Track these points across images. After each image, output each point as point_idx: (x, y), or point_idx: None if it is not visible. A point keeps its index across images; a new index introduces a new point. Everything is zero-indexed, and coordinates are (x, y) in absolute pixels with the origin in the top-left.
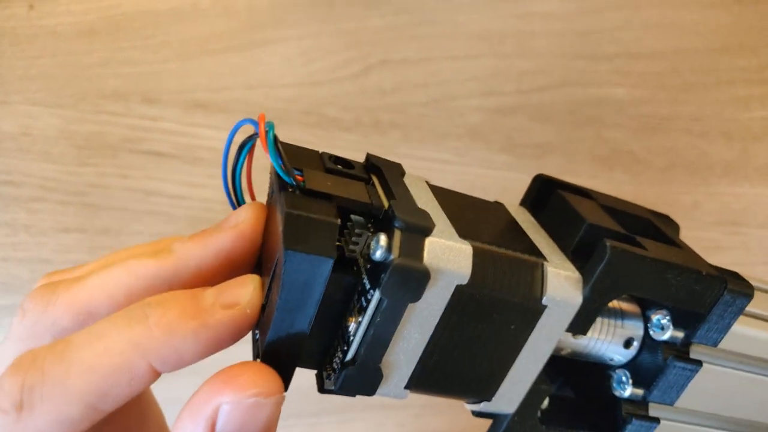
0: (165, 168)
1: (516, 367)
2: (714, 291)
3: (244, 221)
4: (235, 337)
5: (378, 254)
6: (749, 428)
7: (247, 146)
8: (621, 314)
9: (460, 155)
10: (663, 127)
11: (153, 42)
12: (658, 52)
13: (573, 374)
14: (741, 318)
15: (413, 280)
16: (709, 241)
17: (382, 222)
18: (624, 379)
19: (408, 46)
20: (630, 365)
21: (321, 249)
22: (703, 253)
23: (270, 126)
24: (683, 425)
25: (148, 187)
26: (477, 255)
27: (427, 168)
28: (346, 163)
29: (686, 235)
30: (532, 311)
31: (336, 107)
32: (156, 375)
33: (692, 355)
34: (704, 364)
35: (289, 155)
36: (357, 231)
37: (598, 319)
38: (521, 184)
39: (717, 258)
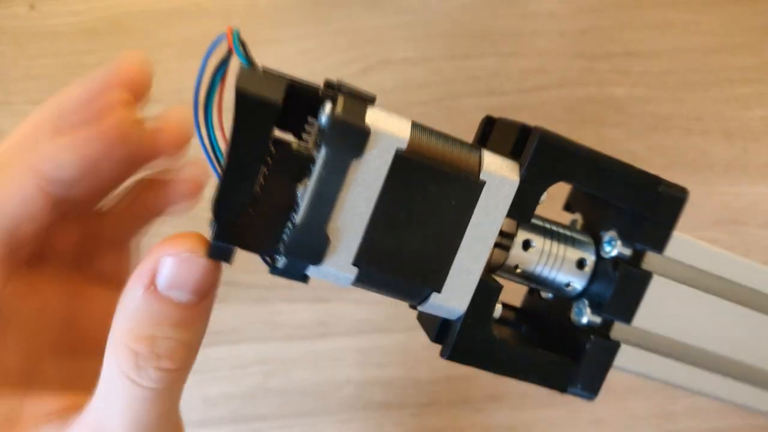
0: None
1: (462, 249)
2: (649, 188)
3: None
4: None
5: (323, 120)
6: (717, 363)
7: (221, 69)
8: (572, 240)
9: None
10: (663, 126)
11: (154, 42)
12: (658, 51)
13: (535, 321)
14: (689, 237)
15: (354, 134)
16: (709, 240)
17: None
18: (582, 307)
19: (408, 45)
20: (588, 294)
21: (270, 91)
22: None
23: (236, 32)
24: (646, 352)
25: None
26: (416, 127)
27: None
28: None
29: None
30: (471, 186)
31: None
32: (48, 198)
33: (643, 266)
34: (654, 276)
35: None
36: (308, 126)
37: (548, 241)
38: None
39: None
